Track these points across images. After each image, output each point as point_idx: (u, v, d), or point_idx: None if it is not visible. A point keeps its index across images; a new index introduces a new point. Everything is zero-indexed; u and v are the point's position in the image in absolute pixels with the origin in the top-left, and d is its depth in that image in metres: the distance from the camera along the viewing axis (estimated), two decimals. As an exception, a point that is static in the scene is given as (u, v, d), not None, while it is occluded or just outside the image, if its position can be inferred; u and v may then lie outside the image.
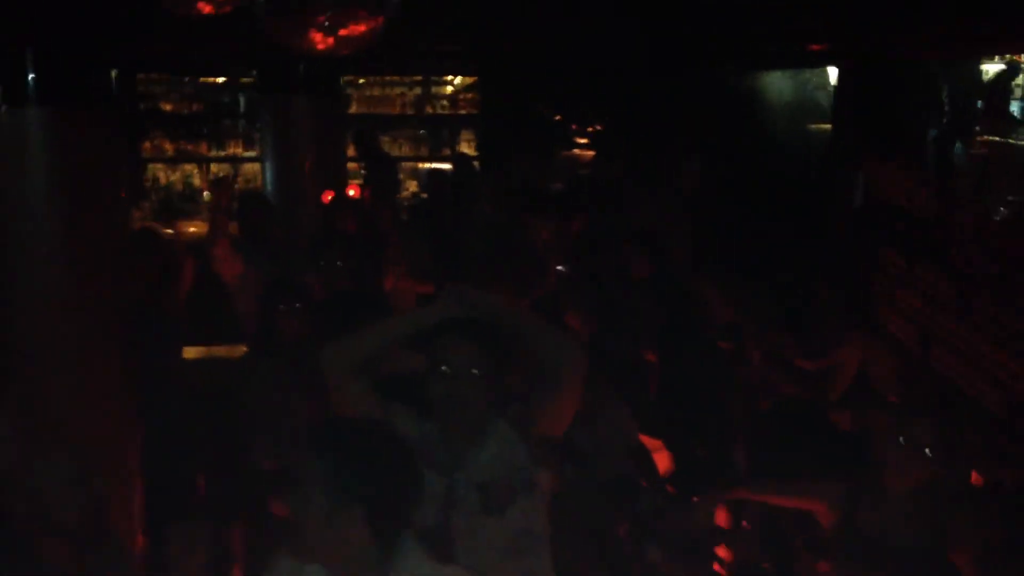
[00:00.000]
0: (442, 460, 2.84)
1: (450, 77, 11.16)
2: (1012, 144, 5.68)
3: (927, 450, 3.05)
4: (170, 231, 5.47)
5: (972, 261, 5.63)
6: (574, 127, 11.04)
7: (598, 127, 10.85)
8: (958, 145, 6.17)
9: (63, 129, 3.62)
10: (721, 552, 4.97)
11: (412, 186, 10.49)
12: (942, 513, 3.07)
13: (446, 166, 10.14)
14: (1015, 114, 5.79)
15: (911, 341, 6.20)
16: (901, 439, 3.08)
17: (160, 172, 10.46)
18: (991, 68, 6.61)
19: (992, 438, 4.80)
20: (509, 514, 2.85)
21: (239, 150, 10.51)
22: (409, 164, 10.73)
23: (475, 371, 2.80)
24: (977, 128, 5.92)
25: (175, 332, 4.89)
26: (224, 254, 4.82)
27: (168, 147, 10.48)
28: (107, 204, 3.86)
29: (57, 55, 3.59)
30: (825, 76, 8.42)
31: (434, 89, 11.16)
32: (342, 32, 2.79)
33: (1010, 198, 5.58)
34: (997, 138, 5.80)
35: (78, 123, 3.59)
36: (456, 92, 11.19)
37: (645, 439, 5.45)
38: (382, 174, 8.92)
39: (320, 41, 2.73)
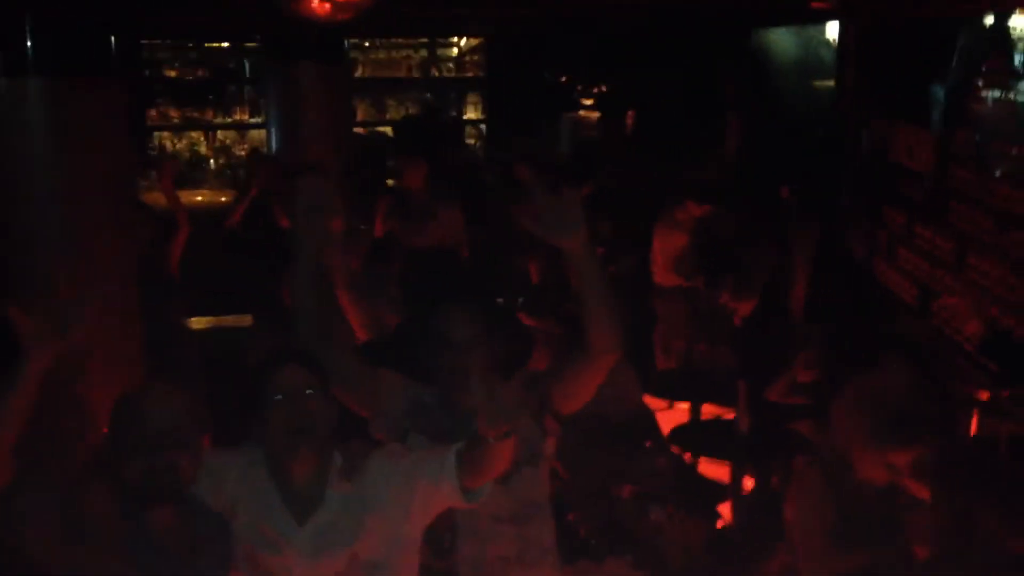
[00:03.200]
0: (440, 428, 2.86)
1: (456, 40, 11.11)
2: (1014, 101, 5.65)
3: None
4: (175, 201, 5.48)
5: (970, 218, 5.63)
6: (580, 89, 11.00)
7: (604, 89, 10.81)
8: (960, 101, 6.15)
9: (64, 99, 3.59)
10: (724, 511, 5.04)
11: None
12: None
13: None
14: (1018, 68, 5.74)
15: (911, 298, 6.22)
16: None
17: (166, 140, 10.48)
18: (995, 22, 6.55)
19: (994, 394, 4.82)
20: (512, 483, 2.85)
21: (245, 116, 10.51)
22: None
23: (470, 341, 2.82)
24: (980, 83, 5.89)
25: (174, 301, 4.95)
26: None
27: (174, 114, 10.48)
28: (111, 174, 3.86)
29: (56, 22, 3.55)
30: (828, 33, 8.38)
31: (440, 52, 11.13)
32: (339, -2, 2.77)
33: (1014, 152, 5.55)
34: (999, 93, 5.77)
35: (79, 92, 3.57)
36: (462, 55, 11.16)
37: (650, 400, 5.52)
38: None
39: (317, 6, 2.72)
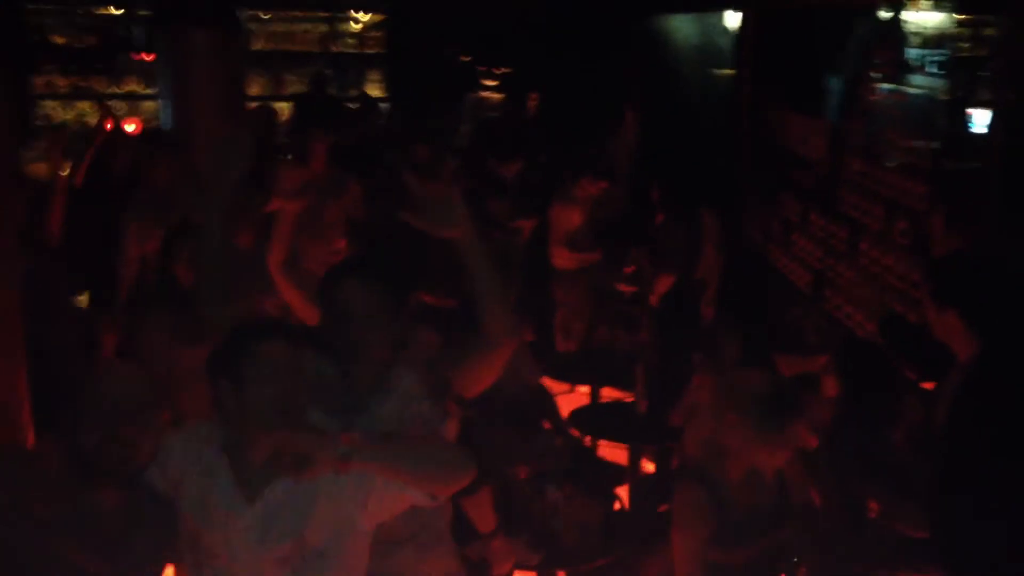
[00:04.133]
0: (339, 404, 2.78)
1: (357, 14, 10.93)
2: (905, 91, 5.82)
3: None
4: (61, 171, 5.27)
5: (859, 207, 5.78)
6: (482, 69, 10.95)
7: (505, 70, 10.79)
8: (853, 92, 6.31)
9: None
10: (621, 492, 5.08)
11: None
12: None
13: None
14: (910, 62, 5.91)
15: (805, 285, 6.37)
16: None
17: (52, 110, 10.07)
18: (888, 15, 6.73)
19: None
20: None
21: (138, 87, 10.16)
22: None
23: (373, 316, 2.75)
24: (872, 75, 6.04)
25: (55, 275, 4.75)
26: None
27: (61, 83, 10.08)
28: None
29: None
30: (726, 21, 8.50)
31: (341, 27, 10.93)
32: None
33: (904, 143, 5.72)
34: (891, 85, 5.93)
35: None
36: (363, 31, 10.98)
37: (550, 382, 5.53)
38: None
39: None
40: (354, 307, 2.77)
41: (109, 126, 6.04)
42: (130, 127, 7.05)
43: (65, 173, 5.27)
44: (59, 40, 10.12)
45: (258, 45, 10.34)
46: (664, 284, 5.20)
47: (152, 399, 2.35)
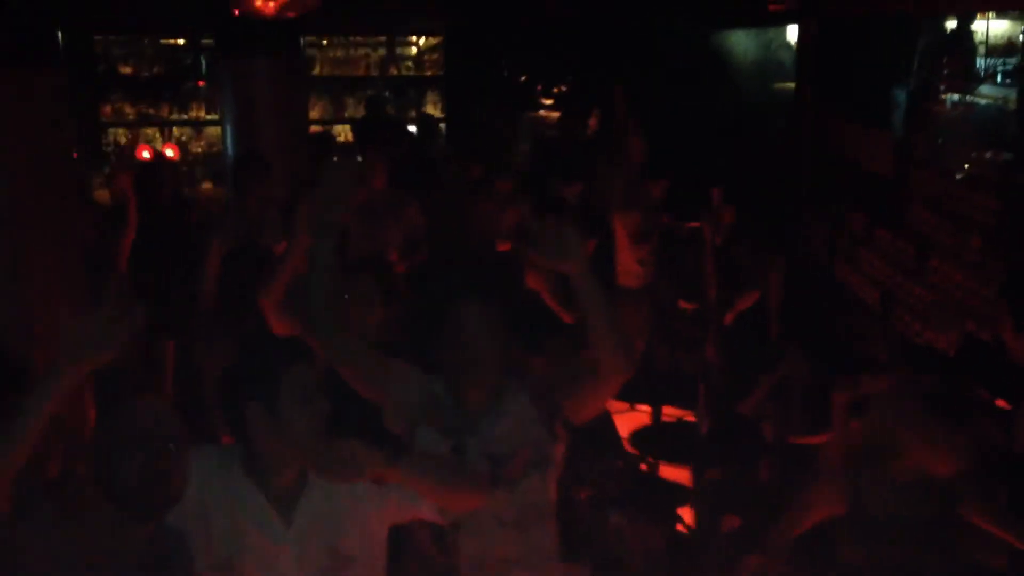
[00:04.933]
0: (450, 423, 2.85)
1: (415, 38, 11.01)
2: (973, 103, 5.67)
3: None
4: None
5: (928, 221, 5.64)
6: (540, 88, 10.95)
7: (564, 88, 10.77)
8: (920, 103, 6.17)
9: (8, 92, 3.51)
10: (684, 513, 5.00)
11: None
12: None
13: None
14: (979, 71, 5.77)
15: (873, 301, 6.22)
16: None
17: (121, 136, 10.28)
18: (955, 25, 6.60)
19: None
20: (520, 487, 2.85)
21: (201, 113, 10.34)
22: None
23: (487, 339, 2.82)
24: (941, 87, 5.90)
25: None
26: None
27: (129, 110, 10.29)
28: (57, 169, 3.75)
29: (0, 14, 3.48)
30: (788, 35, 8.41)
31: (399, 50, 11.01)
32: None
33: (973, 155, 5.57)
34: (959, 95, 5.79)
35: (19, 83, 3.48)
36: (421, 53, 11.06)
37: (610, 402, 5.46)
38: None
39: (262, 4, 2.63)
40: (468, 329, 2.82)
41: (147, 154, 6.06)
42: (169, 152, 7.14)
43: (131, 206, 5.29)
44: (126, 70, 10.34)
45: (318, 71, 10.45)
46: (746, 303, 5.11)
47: (183, 432, 2.34)
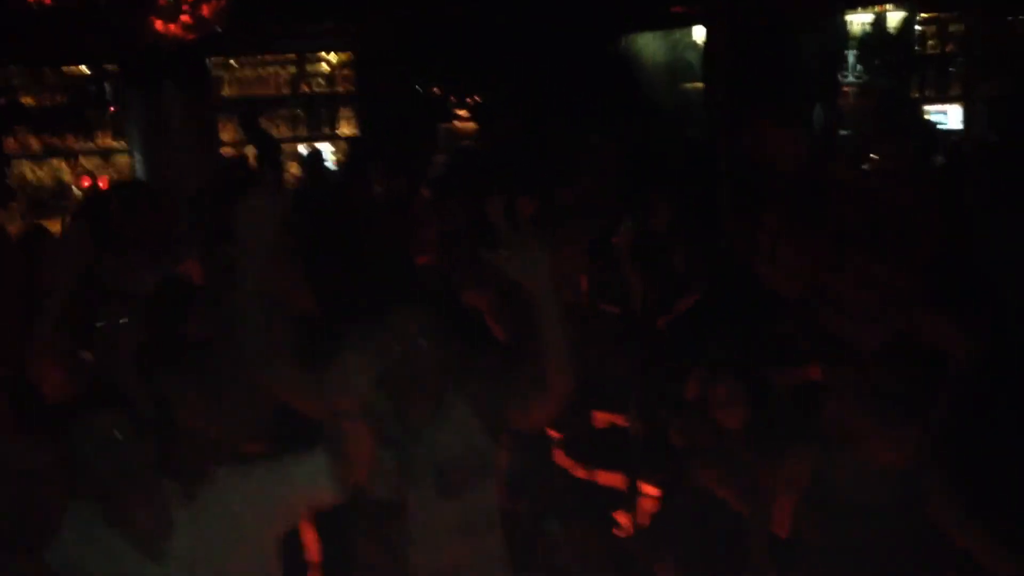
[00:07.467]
0: (394, 435, 2.87)
1: (325, 54, 10.92)
2: (877, 92, 5.81)
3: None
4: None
5: (842, 214, 5.75)
6: (453, 99, 10.94)
7: (477, 99, 10.78)
8: (825, 98, 6.30)
9: None
10: (621, 518, 5.01)
11: (293, 167, 10.24)
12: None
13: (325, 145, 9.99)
14: (879, 62, 5.91)
15: (794, 296, 6.30)
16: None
17: (27, 169, 10.00)
18: (859, 20, 6.73)
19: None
20: (465, 495, 2.90)
21: (108, 140, 10.09)
22: (288, 146, 10.46)
23: (425, 348, 2.85)
24: (842, 79, 6.04)
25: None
26: None
27: (34, 142, 10.02)
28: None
29: None
30: (694, 35, 8.52)
31: (309, 67, 10.90)
32: (184, 17, 2.66)
33: (881, 146, 5.69)
34: (863, 86, 5.92)
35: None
36: (333, 70, 10.97)
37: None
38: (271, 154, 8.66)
39: (162, 27, 2.59)
40: (405, 341, 2.85)
41: (87, 184, 5.97)
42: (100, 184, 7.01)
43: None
44: (29, 100, 10.06)
45: (227, 91, 10.29)
46: (685, 305, 5.15)
47: (58, 466, 2.29)
